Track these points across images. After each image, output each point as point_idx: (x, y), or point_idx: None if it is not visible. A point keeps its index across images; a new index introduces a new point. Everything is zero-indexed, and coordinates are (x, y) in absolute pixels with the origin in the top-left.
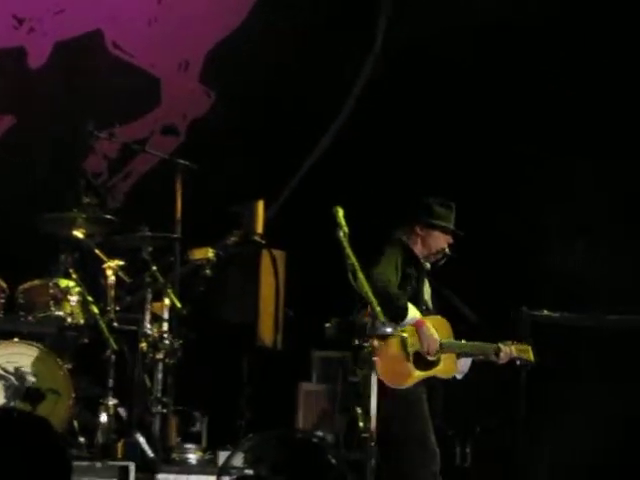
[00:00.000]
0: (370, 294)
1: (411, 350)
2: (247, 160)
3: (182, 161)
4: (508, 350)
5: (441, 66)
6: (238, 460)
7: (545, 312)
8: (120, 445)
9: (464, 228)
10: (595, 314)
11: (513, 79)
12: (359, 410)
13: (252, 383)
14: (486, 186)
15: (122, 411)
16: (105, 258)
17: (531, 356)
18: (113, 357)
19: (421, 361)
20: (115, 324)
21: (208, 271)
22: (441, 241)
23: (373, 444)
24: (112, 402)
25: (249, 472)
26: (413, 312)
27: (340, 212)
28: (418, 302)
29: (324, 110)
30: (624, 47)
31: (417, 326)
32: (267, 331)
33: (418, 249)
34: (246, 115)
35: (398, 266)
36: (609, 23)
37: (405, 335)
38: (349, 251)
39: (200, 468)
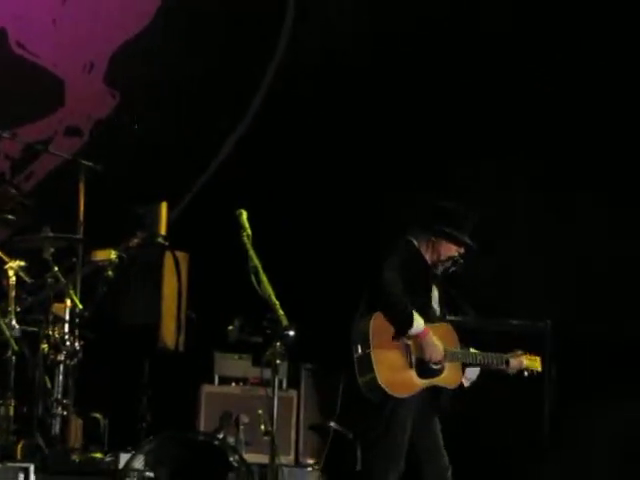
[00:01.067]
0: (273, 297)
1: (414, 358)
2: (151, 162)
3: (85, 162)
4: (517, 362)
5: (345, 71)
6: (139, 462)
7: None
8: (20, 446)
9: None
10: (500, 319)
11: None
12: (260, 412)
13: (154, 385)
14: (394, 191)
15: (22, 412)
16: (6, 258)
17: (539, 366)
18: (13, 358)
19: (424, 370)
20: (16, 325)
21: (110, 273)
22: (452, 250)
23: (274, 446)
24: (12, 403)
25: (150, 474)
26: (418, 321)
27: (244, 215)
28: (425, 310)
29: (230, 112)
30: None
31: (420, 336)
32: (169, 333)
33: (428, 254)
34: (150, 117)
35: (405, 270)
36: None
37: (409, 343)
38: (252, 253)
39: (100, 470)
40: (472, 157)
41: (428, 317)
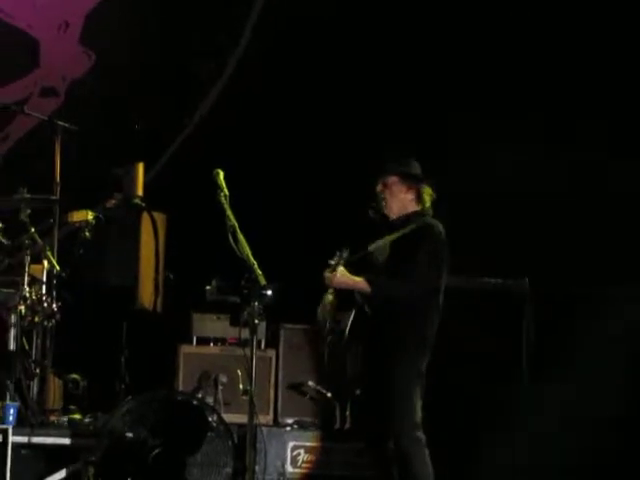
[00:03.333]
0: (250, 256)
1: None
2: (127, 122)
3: (62, 123)
4: None
5: (321, 27)
6: (117, 423)
7: None
8: None
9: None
10: (466, 277)
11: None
12: (239, 372)
13: (132, 346)
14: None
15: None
16: None
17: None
18: None
19: None
20: None
21: (87, 234)
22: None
23: (253, 406)
24: None
25: (128, 435)
26: None
27: (221, 174)
28: None
29: (205, 71)
30: None
31: None
32: (147, 294)
33: None
34: (126, 76)
35: None
36: None
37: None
38: (230, 213)
39: (79, 431)
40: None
41: None
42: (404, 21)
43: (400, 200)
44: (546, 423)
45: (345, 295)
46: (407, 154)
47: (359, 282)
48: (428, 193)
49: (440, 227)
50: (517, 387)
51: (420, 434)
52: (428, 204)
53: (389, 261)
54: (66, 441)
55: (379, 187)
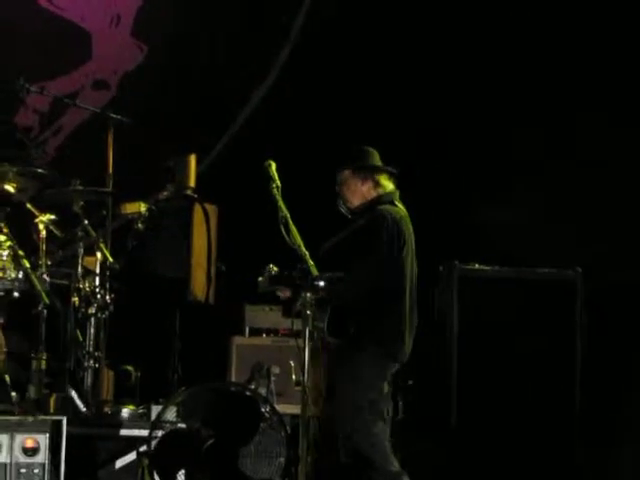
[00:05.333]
0: (302, 247)
1: None
2: (180, 114)
3: (114, 115)
4: None
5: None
6: (170, 414)
7: (476, 266)
8: (52, 400)
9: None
10: (525, 268)
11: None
12: (292, 363)
13: (184, 337)
14: (418, 138)
15: (54, 366)
16: (37, 212)
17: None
18: (45, 312)
19: None
20: (47, 278)
21: (140, 225)
22: None
23: (306, 397)
24: (44, 357)
25: (182, 426)
26: None
27: (273, 166)
28: None
29: (258, 62)
30: None
31: None
32: (199, 285)
33: None
34: (179, 68)
35: None
36: None
37: None
38: (282, 204)
39: (132, 422)
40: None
41: None
42: (473, 34)
43: (358, 192)
44: None
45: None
46: (360, 145)
47: None
48: (385, 178)
49: (393, 215)
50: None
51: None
52: (389, 188)
53: (340, 260)
54: (120, 432)
55: (337, 186)
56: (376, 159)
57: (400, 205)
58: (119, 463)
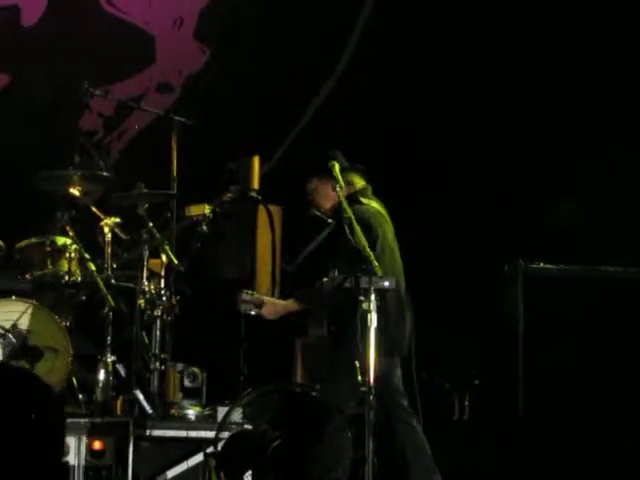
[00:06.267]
0: (367, 248)
1: None
2: (243, 115)
3: (178, 117)
4: None
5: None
6: (237, 415)
7: (541, 265)
8: (119, 402)
9: (462, 180)
10: (591, 266)
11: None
12: (357, 364)
13: (250, 339)
14: (482, 135)
15: (120, 368)
16: (102, 215)
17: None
18: (111, 314)
19: None
20: (112, 281)
21: (205, 227)
22: None
23: (372, 397)
24: (110, 359)
25: (248, 427)
26: None
27: (336, 167)
28: None
29: (320, 64)
30: None
31: None
32: (264, 286)
33: None
34: (241, 70)
35: None
36: None
37: None
38: (346, 205)
39: (199, 424)
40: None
41: None
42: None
43: (328, 197)
44: None
45: None
46: (322, 149)
47: (287, 305)
48: (354, 175)
49: (363, 212)
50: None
51: None
52: (359, 184)
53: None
54: (186, 434)
55: (308, 195)
56: (341, 159)
57: (373, 201)
58: (186, 464)
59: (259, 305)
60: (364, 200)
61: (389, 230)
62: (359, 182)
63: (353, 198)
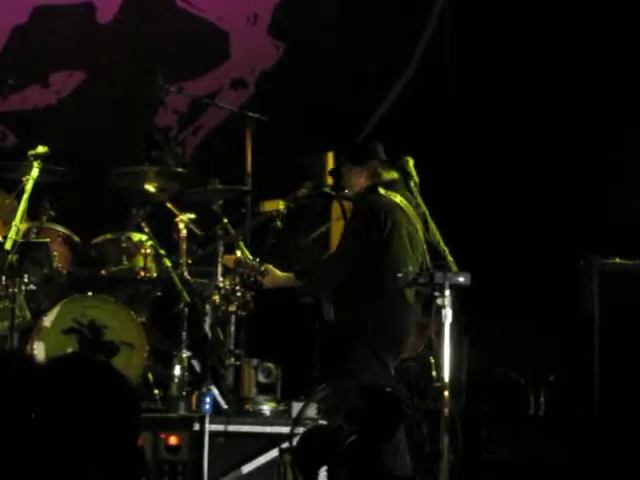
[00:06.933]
0: (442, 243)
1: None
2: (317, 111)
3: (252, 114)
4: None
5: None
6: (312, 411)
7: (617, 260)
8: (194, 397)
9: (538, 173)
10: None
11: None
12: (432, 359)
13: (325, 334)
14: (557, 132)
15: (195, 363)
16: (177, 211)
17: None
18: (186, 310)
19: None
20: (187, 277)
21: (279, 223)
22: None
23: (446, 393)
24: (185, 355)
25: (323, 423)
26: None
27: (410, 162)
28: None
29: (394, 61)
30: None
31: None
32: None
33: None
34: (315, 67)
35: None
36: None
37: None
38: (420, 201)
39: (274, 419)
40: None
41: None
42: None
43: (356, 183)
44: None
45: None
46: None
47: (288, 278)
48: (384, 168)
49: (373, 203)
50: None
51: None
52: (388, 177)
53: None
54: (261, 429)
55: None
56: (377, 151)
57: (398, 195)
58: (261, 460)
59: (261, 273)
60: (382, 191)
61: (408, 224)
62: (388, 175)
63: (370, 188)
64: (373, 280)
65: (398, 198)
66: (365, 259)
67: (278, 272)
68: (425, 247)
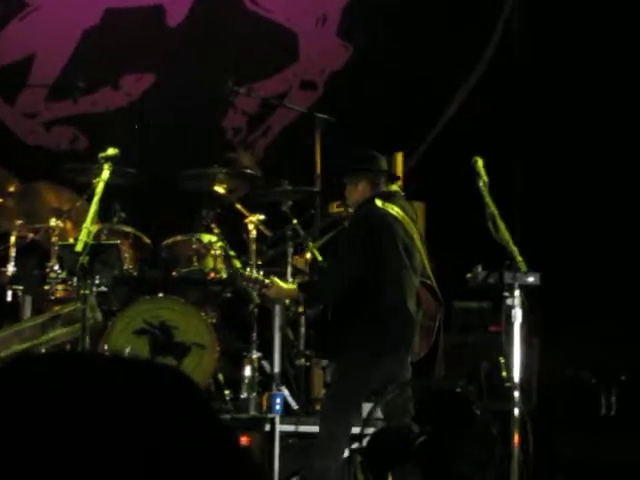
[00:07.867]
0: (511, 243)
1: None
2: (386, 111)
3: (321, 115)
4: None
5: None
6: (382, 411)
7: None
8: (265, 398)
9: (615, 170)
10: None
11: None
12: (502, 360)
13: None
14: (628, 131)
15: (266, 364)
16: (246, 213)
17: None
18: (256, 311)
19: None
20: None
21: (347, 224)
22: None
23: (517, 394)
24: (256, 355)
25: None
26: None
27: (479, 162)
28: None
29: (464, 60)
30: None
31: None
32: None
33: None
34: (384, 67)
35: None
36: None
37: None
38: (489, 200)
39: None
40: None
41: None
42: None
43: (355, 195)
44: None
45: None
46: (362, 149)
47: (292, 291)
48: (384, 180)
49: (369, 214)
50: None
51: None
52: (386, 189)
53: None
54: None
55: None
56: (379, 163)
57: (396, 206)
58: None
59: (265, 286)
60: (379, 203)
61: (404, 235)
62: (387, 187)
63: (367, 200)
64: (372, 291)
65: (395, 210)
66: (362, 270)
67: (282, 284)
68: (424, 256)
